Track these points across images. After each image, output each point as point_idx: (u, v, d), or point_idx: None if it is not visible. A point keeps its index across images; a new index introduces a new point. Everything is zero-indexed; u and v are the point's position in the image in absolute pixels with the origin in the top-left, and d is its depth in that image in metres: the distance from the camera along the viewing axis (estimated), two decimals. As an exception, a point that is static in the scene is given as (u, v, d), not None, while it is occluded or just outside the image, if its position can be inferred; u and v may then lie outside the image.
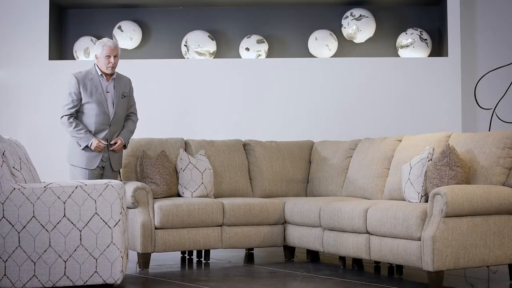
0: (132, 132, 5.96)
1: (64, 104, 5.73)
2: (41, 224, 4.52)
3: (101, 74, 5.78)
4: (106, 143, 5.73)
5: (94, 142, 5.66)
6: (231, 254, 6.68)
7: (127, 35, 7.91)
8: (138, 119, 6.04)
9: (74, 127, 5.67)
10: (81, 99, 5.71)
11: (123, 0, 7.98)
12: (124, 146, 5.90)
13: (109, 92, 5.78)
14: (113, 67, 5.77)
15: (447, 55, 7.69)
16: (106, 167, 5.79)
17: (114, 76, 5.84)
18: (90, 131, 5.71)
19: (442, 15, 7.86)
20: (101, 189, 4.63)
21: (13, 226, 4.49)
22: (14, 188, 4.52)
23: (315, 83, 7.79)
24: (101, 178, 5.76)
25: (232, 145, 6.77)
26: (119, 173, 6.15)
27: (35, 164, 5.49)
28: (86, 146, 5.68)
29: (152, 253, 5.87)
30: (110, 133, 5.78)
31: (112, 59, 5.73)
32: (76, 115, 5.73)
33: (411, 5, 8.07)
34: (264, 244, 6.21)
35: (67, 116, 5.70)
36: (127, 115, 5.98)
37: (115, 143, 5.79)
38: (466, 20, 7.87)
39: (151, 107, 7.49)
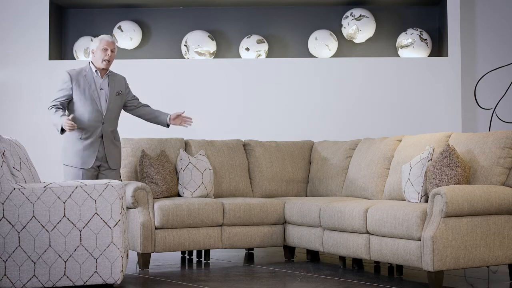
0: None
1: (53, 99, 5.68)
2: (41, 224, 4.52)
3: (95, 71, 5.75)
4: (75, 124, 5.53)
5: (64, 123, 5.49)
6: (231, 254, 6.68)
7: (127, 35, 7.91)
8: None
9: (54, 112, 5.57)
10: (71, 96, 5.68)
11: (123, 0, 7.98)
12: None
13: (103, 89, 5.75)
14: (109, 61, 5.73)
15: (447, 55, 7.70)
16: (103, 166, 5.74)
17: (109, 73, 5.81)
18: (84, 129, 5.67)
19: (442, 15, 7.86)
20: (101, 189, 4.63)
21: (13, 226, 4.50)
22: (14, 188, 4.52)
23: (315, 83, 7.79)
24: (97, 178, 5.74)
25: (232, 145, 6.77)
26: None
27: (35, 164, 5.49)
28: (64, 130, 5.56)
29: (152, 253, 5.87)
30: (104, 131, 5.74)
31: (109, 52, 5.70)
32: (64, 110, 5.66)
33: (411, 5, 8.07)
34: (264, 244, 6.21)
35: (50, 107, 5.65)
36: (138, 105, 6.02)
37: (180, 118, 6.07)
38: (466, 20, 7.87)
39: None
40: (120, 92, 5.87)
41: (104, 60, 5.71)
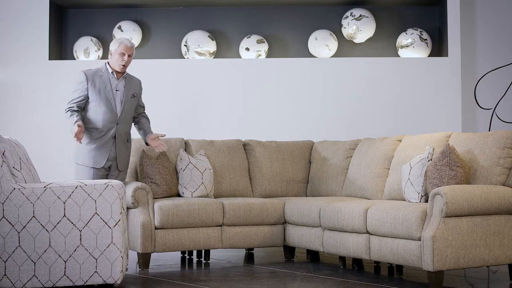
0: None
1: (68, 100, 5.68)
2: (41, 224, 4.52)
3: (112, 72, 5.74)
4: (81, 126, 5.49)
5: (73, 129, 5.45)
6: (231, 254, 6.68)
7: (127, 35, 7.90)
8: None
9: (69, 117, 5.55)
10: (87, 96, 5.67)
11: (123, 0, 7.98)
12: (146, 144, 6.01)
13: (118, 90, 5.73)
14: (125, 66, 5.72)
15: (447, 55, 7.70)
16: (112, 166, 5.74)
17: (125, 75, 5.80)
18: (97, 129, 5.67)
19: (442, 15, 7.86)
20: (101, 189, 4.63)
21: (13, 226, 4.50)
22: (14, 188, 4.52)
23: (315, 83, 7.79)
24: (106, 178, 5.71)
25: (232, 145, 6.77)
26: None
27: (35, 164, 5.49)
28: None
29: (152, 253, 5.87)
30: (118, 132, 5.73)
31: (125, 57, 5.68)
32: (81, 111, 5.66)
33: (411, 5, 8.07)
34: (264, 244, 6.21)
35: (66, 109, 5.64)
36: (139, 114, 5.99)
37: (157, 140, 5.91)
38: (466, 20, 7.87)
39: (151, 107, 7.44)
40: (135, 95, 5.86)
41: (120, 65, 5.70)
